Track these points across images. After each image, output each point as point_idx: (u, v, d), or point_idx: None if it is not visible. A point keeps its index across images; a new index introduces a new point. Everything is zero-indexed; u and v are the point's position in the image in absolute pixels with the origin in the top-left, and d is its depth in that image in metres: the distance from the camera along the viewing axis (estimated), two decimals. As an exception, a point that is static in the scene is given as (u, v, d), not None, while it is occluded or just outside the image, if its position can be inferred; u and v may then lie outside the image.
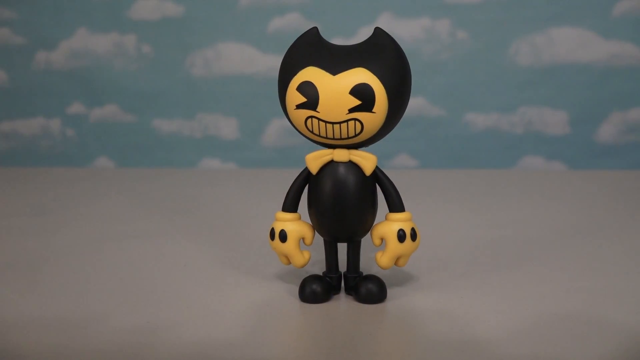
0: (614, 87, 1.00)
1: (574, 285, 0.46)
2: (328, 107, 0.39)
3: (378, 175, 0.42)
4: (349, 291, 0.44)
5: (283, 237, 0.43)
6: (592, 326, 0.39)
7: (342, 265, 0.44)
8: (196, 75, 1.09)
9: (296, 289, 0.44)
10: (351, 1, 1.05)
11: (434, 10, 1.03)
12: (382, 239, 0.42)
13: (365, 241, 0.44)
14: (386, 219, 0.42)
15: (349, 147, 0.41)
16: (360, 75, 0.39)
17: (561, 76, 1.01)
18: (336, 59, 0.40)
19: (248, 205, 0.76)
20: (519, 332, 0.38)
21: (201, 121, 1.10)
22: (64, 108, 1.12)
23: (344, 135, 0.40)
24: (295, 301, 0.43)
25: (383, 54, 0.40)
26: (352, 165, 0.41)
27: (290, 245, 0.43)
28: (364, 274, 0.44)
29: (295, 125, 0.41)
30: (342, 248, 0.44)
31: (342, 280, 0.44)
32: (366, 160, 0.41)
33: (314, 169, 0.42)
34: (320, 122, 0.40)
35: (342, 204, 0.41)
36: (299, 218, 0.43)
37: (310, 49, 0.41)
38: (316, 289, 0.42)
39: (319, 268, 0.47)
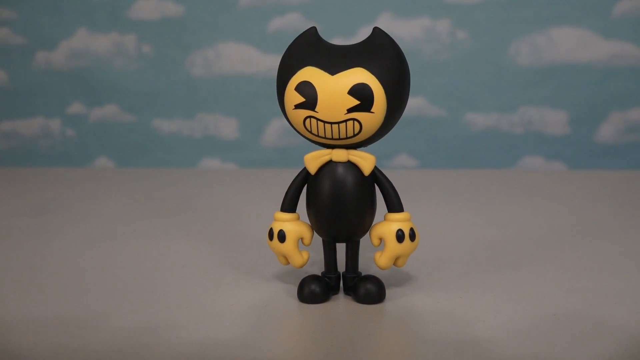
0: (614, 87, 1.00)
1: (574, 285, 0.46)
2: (327, 107, 0.39)
3: (377, 175, 0.42)
4: (348, 291, 0.44)
5: (282, 237, 0.43)
6: (592, 326, 0.39)
7: (341, 266, 0.44)
8: (196, 75, 1.09)
9: (295, 289, 0.44)
10: (351, 1, 1.05)
11: (434, 10, 1.03)
12: (380, 239, 0.42)
13: (364, 241, 0.44)
14: (385, 219, 0.42)
15: (347, 147, 0.41)
16: (359, 75, 0.39)
17: (561, 76, 1.01)
18: (335, 59, 0.40)
19: (248, 205, 0.76)
20: (518, 332, 0.38)
21: (201, 121, 1.10)
22: (64, 108, 1.12)
23: (343, 135, 0.40)
24: (294, 301, 0.43)
25: (382, 54, 0.40)
26: (351, 166, 0.41)
27: (288, 246, 0.43)
28: (363, 274, 0.44)
29: (294, 125, 0.41)
30: (340, 248, 0.44)
31: (341, 280, 0.44)
32: (365, 160, 0.41)
33: (312, 169, 0.42)
34: (319, 122, 0.40)
35: (341, 204, 0.41)
36: (298, 218, 0.43)
37: (309, 49, 0.41)
38: (315, 289, 0.42)
39: (318, 268, 0.47)
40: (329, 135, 0.40)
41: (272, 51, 1.07)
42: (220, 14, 1.07)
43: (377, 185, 0.42)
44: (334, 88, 0.39)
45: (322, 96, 0.39)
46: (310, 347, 0.37)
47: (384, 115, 0.40)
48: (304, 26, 0.91)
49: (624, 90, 1.00)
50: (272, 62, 1.05)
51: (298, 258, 0.43)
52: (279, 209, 0.44)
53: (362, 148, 0.42)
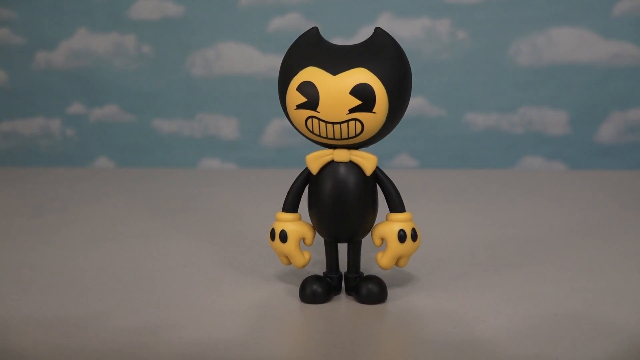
0: (614, 87, 1.00)
1: (574, 285, 0.46)
2: (328, 107, 0.39)
3: (378, 176, 0.42)
4: (350, 292, 0.44)
5: (283, 237, 0.43)
6: (592, 326, 0.39)
7: (343, 266, 0.44)
8: (196, 75, 1.09)
9: (296, 289, 0.44)
10: (351, 1, 1.05)
11: (434, 10, 1.03)
12: (382, 240, 0.42)
13: (365, 241, 0.44)
14: (387, 219, 0.42)
15: (349, 147, 0.41)
16: (361, 75, 0.39)
17: (561, 76, 1.01)
18: (336, 59, 0.40)
19: (248, 205, 0.76)
20: (519, 332, 0.38)
21: (201, 121, 1.10)
22: (64, 108, 1.12)
23: (344, 135, 0.40)
24: (296, 301, 0.43)
25: (383, 54, 0.40)
26: (353, 166, 0.41)
27: (290, 246, 0.43)
28: (365, 274, 0.44)
29: (296, 125, 0.41)
30: (342, 248, 0.44)
31: (343, 280, 0.44)
32: (366, 161, 0.41)
33: (314, 169, 0.42)
34: (321, 122, 0.40)
35: (343, 205, 0.41)
36: (300, 218, 0.43)
37: (311, 49, 0.41)
38: (316, 290, 0.42)
39: (320, 268, 0.47)
40: (330, 135, 0.40)
41: (272, 51, 1.07)
42: (220, 14, 1.08)
43: (379, 185, 0.42)
44: (335, 88, 0.39)
45: (324, 96, 0.39)
46: (311, 347, 0.37)
47: (386, 115, 0.40)
48: (304, 26, 0.91)
49: (624, 90, 1.00)
50: (272, 62, 1.05)
51: (300, 258, 0.43)
52: (281, 209, 0.44)
53: (364, 148, 0.42)
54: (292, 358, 0.35)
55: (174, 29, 1.08)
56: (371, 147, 0.43)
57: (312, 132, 0.41)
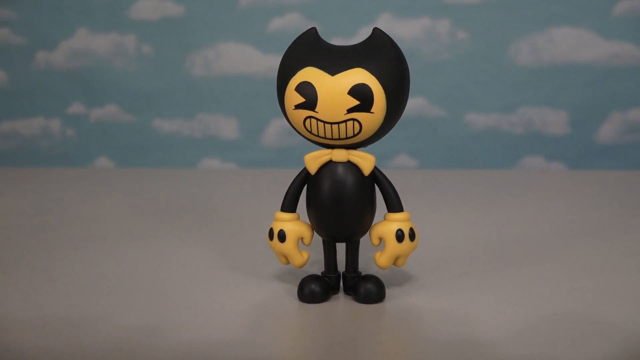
0: (614, 87, 1.00)
1: (573, 285, 0.46)
2: (327, 108, 0.39)
3: (376, 175, 0.42)
4: (348, 291, 0.44)
5: (282, 237, 0.43)
6: (592, 326, 0.39)
7: (341, 265, 0.44)
8: (196, 75, 1.09)
9: (295, 289, 0.44)
10: (351, 1, 1.05)
11: (434, 10, 1.03)
12: (380, 239, 0.42)
13: (364, 241, 0.44)
14: (385, 219, 0.42)
15: (347, 147, 0.41)
16: (359, 75, 0.39)
17: (561, 76, 1.01)
18: (335, 60, 0.40)
19: (248, 205, 0.76)
20: (518, 332, 0.38)
21: (201, 121, 1.10)
22: (64, 108, 1.13)
23: (343, 135, 0.40)
24: (294, 301, 0.43)
25: (381, 55, 0.40)
26: (351, 166, 0.41)
27: (289, 245, 0.43)
28: (363, 273, 0.44)
29: (294, 125, 0.42)
30: (341, 248, 0.44)
31: (341, 280, 0.44)
32: (365, 161, 0.41)
33: (312, 169, 0.42)
34: (319, 122, 0.40)
35: (341, 204, 0.41)
36: (298, 218, 0.43)
37: (309, 50, 0.41)
38: (315, 289, 0.42)
39: (318, 268, 0.47)
40: (329, 135, 0.40)
41: (272, 51, 1.07)
42: (220, 14, 1.07)
43: (377, 185, 0.42)
44: (334, 88, 0.39)
45: (322, 96, 0.39)
46: (310, 347, 0.37)
47: (384, 115, 0.40)
48: (304, 26, 0.91)
49: (624, 90, 1.00)
50: (272, 62, 1.05)
51: (298, 258, 0.43)
52: (279, 209, 0.44)
53: (362, 148, 0.42)
54: (291, 357, 0.35)
55: (174, 29, 1.08)
56: (370, 147, 0.43)
57: (310, 132, 0.41)
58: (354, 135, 0.40)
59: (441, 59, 1.04)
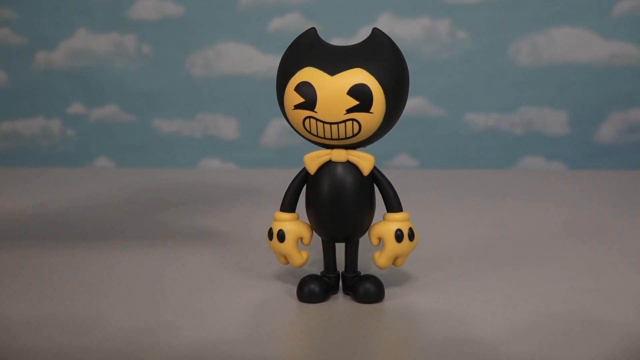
0: (614, 87, 1.00)
1: (573, 285, 0.46)
2: (326, 108, 0.39)
3: (376, 175, 0.42)
4: (347, 291, 0.44)
5: (281, 237, 0.43)
6: (591, 326, 0.39)
7: (341, 265, 0.44)
8: (196, 75, 1.09)
9: (294, 288, 0.44)
10: (351, 1, 1.05)
11: (434, 10, 1.03)
12: (379, 239, 0.42)
13: (363, 241, 0.44)
14: (384, 219, 0.42)
15: (347, 147, 0.41)
16: (358, 75, 0.39)
17: (561, 76, 1.01)
18: (334, 60, 0.40)
19: (248, 205, 0.76)
20: (517, 332, 0.38)
21: (201, 121, 1.10)
22: (64, 108, 1.13)
23: (342, 135, 0.40)
24: (294, 301, 0.43)
25: (381, 55, 0.40)
26: (350, 166, 0.41)
27: (288, 245, 0.43)
28: (362, 273, 0.44)
29: (294, 125, 0.42)
30: (340, 248, 0.44)
31: (340, 280, 0.44)
32: (364, 161, 0.41)
33: (312, 169, 0.42)
34: (318, 122, 0.40)
35: (340, 204, 0.41)
36: (297, 218, 0.43)
37: (308, 50, 0.41)
38: (314, 289, 0.42)
39: (318, 268, 0.47)
40: (328, 135, 0.40)
41: (272, 51, 1.07)
42: (220, 14, 1.08)
43: (376, 185, 0.42)
44: (333, 88, 0.39)
45: (321, 96, 0.39)
46: (309, 347, 0.37)
47: (383, 115, 0.40)
48: (304, 26, 0.91)
49: (624, 90, 1.00)
50: (272, 62, 1.05)
51: (297, 258, 0.43)
52: (279, 209, 0.44)
53: (362, 148, 0.42)
54: (289, 357, 0.35)
55: (174, 29, 1.08)
56: (370, 147, 0.43)
57: (309, 132, 0.41)
58: (354, 136, 0.40)
59: (441, 59, 1.04)
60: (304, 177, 0.43)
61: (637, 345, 0.36)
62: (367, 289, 0.42)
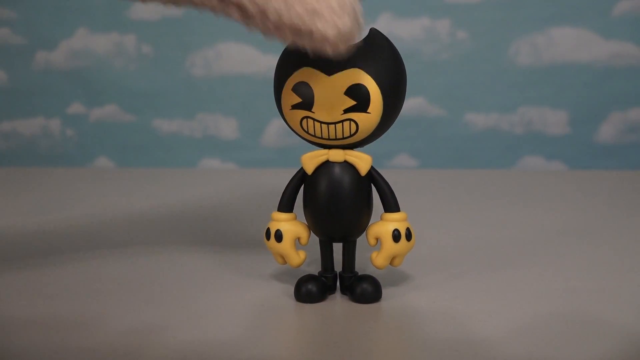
0: (614, 87, 1.00)
1: (573, 285, 0.46)
2: (323, 108, 0.39)
3: (373, 176, 0.42)
4: (345, 291, 0.44)
5: (279, 237, 0.43)
6: (590, 326, 0.38)
7: (338, 265, 0.44)
8: (196, 75, 1.09)
9: (292, 288, 0.44)
10: (351, 1, 1.05)
11: (434, 10, 1.03)
12: (377, 239, 0.42)
13: (361, 241, 0.44)
14: (381, 219, 0.42)
15: (344, 147, 0.41)
16: (356, 75, 0.39)
17: (561, 76, 1.01)
18: (331, 60, 0.40)
19: (248, 205, 0.76)
20: (514, 333, 0.38)
21: (201, 121, 1.10)
22: (64, 108, 1.13)
23: (339, 135, 0.40)
24: (291, 301, 0.43)
25: (378, 55, 0.40)
26: (348, 166, 0.41)
27: (285, 245, 0.43)
28: (360, 273, 0.44)
29: (291, 125, 0.42)
30: (338, 248, 0.44)
31: (338, 280, 0.44)
32: (361, 161, 0.41)
33: (309, 169, 0.42)
34: (316, 122, 0.40)
35: (337, 204, 0.41)
36: (295, 218, 0.43)
37: (306, 50, 0.41)
38: (311, 289, 0.42)
39: (316, 268, 0.47)
40: (325, 135, 0.40)
41: (272, 51, 1.06)
42: (220, 14, 1.07)
43: (374, 185, 0.42)
44: (330, 88, 0.39)
45: (318, 97, 0.39)
46: (306, 346, 0.37)
47: (380, 115, 0.40)
48: (303, 26, 0.91)
49: (624, 90, 1.00)
50: (272, 62, 1.03)
51: (295, 258, 0.43)
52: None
53: (359, 148, 0.42)
54: (287, 357, 0.35)
55: (174, 29, 1.09)
56: (371, 146, 0.43)
57: (307, 132, 0.41)
58: (351, 136, 0.40)
59: (441, 59, 1.04)
60: (301, 177, 0.43)
61: (637, 346, 0.36)
62: (364, 289, 0.42)
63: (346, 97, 0.39)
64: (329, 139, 0.40)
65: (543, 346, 0.36)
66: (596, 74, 1.00)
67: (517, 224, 0.65)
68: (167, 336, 0.38)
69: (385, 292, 0.43)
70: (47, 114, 1.13)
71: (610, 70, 1.00)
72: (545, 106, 1.02)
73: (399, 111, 0.42)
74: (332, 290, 0.44)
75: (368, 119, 0.39)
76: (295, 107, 0.40)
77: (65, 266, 0.52)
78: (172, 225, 0.66)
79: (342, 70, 0.39)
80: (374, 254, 0.42)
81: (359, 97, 0.39)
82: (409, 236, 0.41)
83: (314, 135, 0.41)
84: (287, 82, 0.41)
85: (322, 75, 0.39)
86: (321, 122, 0.40)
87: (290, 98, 0.40)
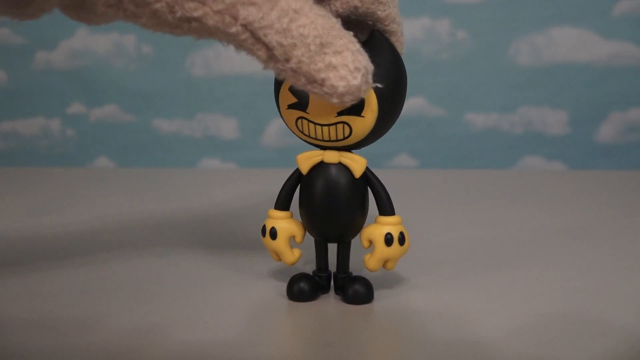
0: (614, 87, 1.00)
1: (572, 285, 0.46)
2: (317, 109, 0.39)
3: (369, 178, 0.42)
4: (338, 291, 0.44)
5: (273, 234, 0.43)
6: (589, 326, 0.38)
7: (333, 265, 0.44)
8: (196, 75, 1.09)
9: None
10: (351, 1, 1.05)
11: (434, 10, 1.03)
12: (370, 242, 0.42)
13: (356, 242, 0.44)
14: (375, 221, 0.42)
15: (339, 149, 0.41)
16: None
17: (561, 76, 1.01)
18: None
19: (248, 205, 0.76)
20: (512, 332, 0.38)
21: (201, 121, 1.11)
22: (64, 108, 1.13)
23: (333, 137, 0.40)
24: (285, 300, 0.43)
25: (378, 58, 0.39)
26: (343, 167, 0.41)
27: (280, 243, 0.43)
28: (354, 274, 0.44)
29: (287, 125, 0.42)
30: (333, 248, 0.44)
31: (332, 279, 0.44)
32: (355, 163, 0.41)
33: (304, 169, 0.42)
34: (310, 123, 0.40)
35: (331, 205, 0.41)
36: (291, 216, 0.44)
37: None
38: (303, 288, 0.43)
39: (311, 267, 0.47)
40: (319, 137, 0.40)
41: (272, 51, 1.06)
42: (220, 14, 1.07)
43: (369, 187, 0.42)
44: None
45: (313, 98, 0.39)
46: (296, 346, 0.37)
47: (376, 119, 0.39)
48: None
49: (624, 90, 1.00)
50: (272, 62, 1.05)
51: (289, 255, 0.43)
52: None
53: (356, 150, 0.42)
54: (277, 356, 0.35)
55: (174, 29, 1.08)
56: (370, 146, 0.42)
57: (302, 132, 0.41)
58: (344, 138, 0.40)
59: (441, 59, 1.04)
60: (298, 176, 0.43)
61: (637, 346, 0.36)
62: (356, 290, 0.42)
63: None
64: (322, 140, 0.40)
65: (542, 346, 0.36)
66: (596, 74, 1.00)
67: (517, 224, 0.65)
68: (166, 336, 0.38)
69: (379, 293, 0.43)
70: (47, 114, 1.13)
71: (610, 70, 1.00)
72: (545, 106, 1.03)
73: (397, 116, 0.41)
74: (325, 290, 0.44)
75: (362, 123, 0.39)
76: (291, 106, 0.41)
77: (65, 266, 0.52)
78: (172, 225, 0.66)
79: None
80: (367, 256, 0.42)
81: None
82: (402, 240, 0.41)
83: (309, 136, 0.41)
84: (284, 82, 0.41)
85: None
86: (315, 124, 0.40)
87: (287, 97, 0.41)
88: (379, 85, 0.38)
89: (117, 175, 1.03)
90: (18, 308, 0.43)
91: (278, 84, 0.42)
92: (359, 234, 0.43)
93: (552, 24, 1.01)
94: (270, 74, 0.43)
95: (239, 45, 0.34)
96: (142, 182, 0.95)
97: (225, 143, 1.10)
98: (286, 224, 0.43)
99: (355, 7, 0.39)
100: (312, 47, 0.34)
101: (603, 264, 0.51)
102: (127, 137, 1.12)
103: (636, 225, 0.65)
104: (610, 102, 1.01)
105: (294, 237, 0.43)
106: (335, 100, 0.35)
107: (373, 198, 0.42)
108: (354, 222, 0.42)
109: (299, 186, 0.44)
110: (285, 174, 0.46)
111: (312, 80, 0.34)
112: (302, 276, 0.43)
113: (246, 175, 1.02)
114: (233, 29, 0.33)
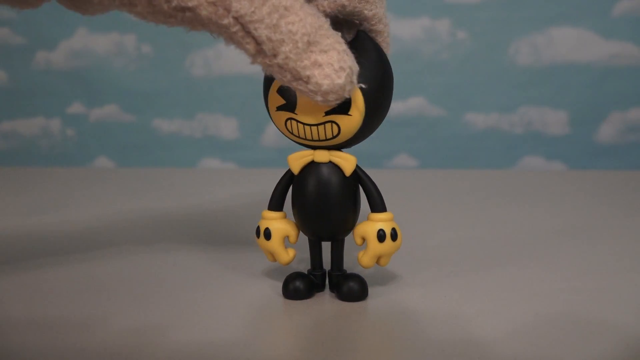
0: (614, 87, 1.00)
1: (572, 285, 0.46)
2: (305, 110, 0.40)
3: (360, 176, 0.42)
4: (333, 289, 0.44)
5: (267, 235, 0.43)
6: (589, 326, 0.38)
7: (327, 263, 0.44)
8: (196, 75, 1.09)
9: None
10: (351, 1, 1.05)
11: (434, 10, 1.03)
12: (363, 239, 0.42)
13: (350, 240, 0.44)
14: (368, 218, 0.42)
15: (329, 148, 0.41)
16: None
17: (561, 76, 1.01)
18: None
19: (248, 205, 0.76)
20: (510, 332, 0.37)
21: (201, 121, 1.11)
22: (64, 108, 1.13)
23: (322, 137, 0.40)
24: (280, 298, 0.43)
25: (363, 58, 0.39)
26: (334, 166, 0.41)
27: (274, 243, 0.43)
28: (349, 272, 0.44)
29: (277, 126, 0.42)
30: (327, 246, 0.44)
31: (327, 278, 0.44)
32: (345, 161, 0.41)
33: (295, 169, 0.42)
34: (299, 124, 0.40)
35: (323, 204, 0.41)
36: (284, 216, 0.44)
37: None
38: (299, 286, 0.43)
39: (306, 266, 0.47)
40: (308, 137, 0.40)
41: (271, 51, 1.06)
42: (220, 14, 1.07)
43: (361, 185, 0.42)
44: None
45: (301, 99, 0.39)
46: (292, 343, 0.37)
47: (363, 118, 0.40)
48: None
49: (624, 90, 1.00)
50: (272, 62, 1.05)
51: (284, 255, 0.43)
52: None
53: (347, 149, 0.42)
54: (273, 354, 0.35)
55: (174, 29, 1.08)
56: (370, 146, 0.42)
57: (291, 133, 0.41)
58: (333, 137, 0.40)
59: (441, 59, 1.04)
60: (290, 176, 0.43)
61: (636, 346, 0.36)
62: (350, 288, 0.42)
63: None
64: (312, 140, 0.41)
65: (541, 346, 0.36)
66: (596, 74, 1.00)
67: (517, 224, 0.65)
68: (163, 335, 0.38)
69: (373, 290, 0.43)
70: (47, 114, 1.13)
71: (610, 70, 1.00)
72: (545, 106, 1.03)
73: (385, 114, 0.42)
74: (320, 288, 0.44)
75: (350, 121, 0.39)
76: (279, 108, 0.41)
77: (65, 266, 0.52)
78: (171, 225, 0.66)
79: None
80: (360, 254, 0.42)
81: None
82: (394, 236, 0.41)
83: (298, 137, 0.41)
84: (273, 84, 0.41)
85: None
86: (304, 124, 0.40)
87: (276, 99, 0.41)
88: (363, 86, 0.38)
89: (117, 175, 1.03)
90: (18, 307, 0.43)
91: (267, 87, 0.42)
92: (352, 232, 0.43)
93: (552, 24, 1.01)
94: (270, 75, 0.43)
95: (229, 38, 0.35)
96: (142, 182, 0.95)
97: (225, 143, 1.10)
98: (280, 224, 0.43)
99: (343, 6, 0.40)
100: (299, 44, 0.34)
101: (603, 264, 0.51)
102: (127, 137, 1.12)
103: (636, 225, 0.65)
104: (610, 102, 1.01)
105: (288, 237, 0.44)
106: (319, 99, 0.35)
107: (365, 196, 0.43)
108: (347, 220, 0.42)
109: (291, 186, 0.44)
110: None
111: (298, 77, 0.35)
112: (297, 275, 0.43)
113: (246, 175, 1.02)
114: (225, 21, 0.33)
